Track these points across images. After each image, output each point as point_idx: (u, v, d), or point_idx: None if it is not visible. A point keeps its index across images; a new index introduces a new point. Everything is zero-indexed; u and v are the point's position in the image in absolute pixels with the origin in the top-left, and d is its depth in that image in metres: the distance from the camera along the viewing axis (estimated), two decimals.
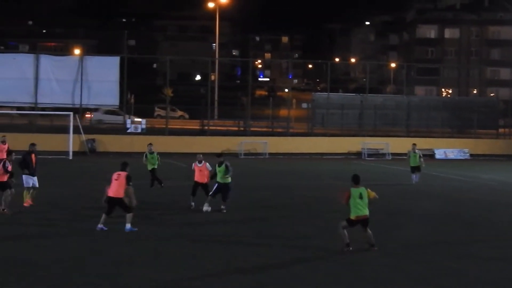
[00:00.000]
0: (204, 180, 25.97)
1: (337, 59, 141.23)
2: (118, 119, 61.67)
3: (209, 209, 24.98)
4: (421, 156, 36.56)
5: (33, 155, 25.68)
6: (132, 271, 16.18)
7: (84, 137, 52.52)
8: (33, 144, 26.39)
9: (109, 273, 16.04)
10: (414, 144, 37.75)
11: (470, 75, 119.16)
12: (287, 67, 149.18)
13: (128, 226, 20.77)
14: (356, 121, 63.31)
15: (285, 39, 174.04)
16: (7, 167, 23.69)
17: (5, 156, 31.96)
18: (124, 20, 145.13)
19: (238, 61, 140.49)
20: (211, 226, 22.49)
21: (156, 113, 79.20)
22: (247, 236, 20.89)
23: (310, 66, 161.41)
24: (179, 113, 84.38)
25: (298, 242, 20.16)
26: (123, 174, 20.93)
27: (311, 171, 43.01)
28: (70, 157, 48.23)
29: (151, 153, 31.61)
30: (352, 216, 18.64)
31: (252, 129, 62.13)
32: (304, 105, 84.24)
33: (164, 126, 58.35)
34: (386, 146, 57.34)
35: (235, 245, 19.42)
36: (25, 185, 25.34)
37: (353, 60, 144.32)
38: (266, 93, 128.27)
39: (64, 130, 50.55)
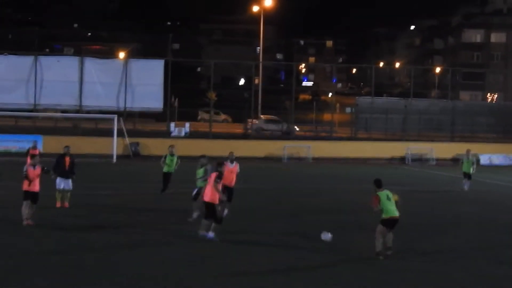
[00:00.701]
0: (232, 183, 24.61)
1: (381, 64, 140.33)
2: (277, 127, 63.31)
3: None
4: (474, 162, 35.43)
5: (67, 158, 25.65)
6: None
7: (128, 140, 52.69)
8: (67, 147, 26.32)
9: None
10: (469, 150, 36.49)
11: None
12: (331, 71, 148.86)
13: (210, 234, 19.95)
14: (400, 125, 62.77)
15: (329, 43, 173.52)
16: (25, 171, 21.87)
17: None
18: (169, 23, 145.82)
19: (282, 65, 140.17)
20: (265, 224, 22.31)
21: (199, 117, 79.30)
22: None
23: (354, 70, 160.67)
24: (223, 116, 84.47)
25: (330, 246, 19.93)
26: (213, 174, 20.29)
27: (354, 175, 42.73)
28: (114, 160, 48.40)
29: (172, 155, 30.09)
30: (386, 216, 18.70)
31: (296, 133, 61.95)
32: (348, 110, 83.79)
33: (207, 129, 58.34)
34: (430, 151, 56.72)
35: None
36: (57, 187, 25.49)
37: (397, 64, 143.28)
38: (310, 97, 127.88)
39: (108, 133, 50.77)
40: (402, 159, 56.62)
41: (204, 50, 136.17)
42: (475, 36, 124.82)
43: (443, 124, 64.48)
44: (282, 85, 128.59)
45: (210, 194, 19.92)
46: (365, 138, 61.78)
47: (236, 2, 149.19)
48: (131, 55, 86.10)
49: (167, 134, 57.07)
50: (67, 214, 24.21)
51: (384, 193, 18.92)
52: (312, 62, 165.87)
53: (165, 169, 30.08)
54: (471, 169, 34.52)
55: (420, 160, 56.24)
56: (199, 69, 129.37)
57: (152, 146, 53.55)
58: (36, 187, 21.99)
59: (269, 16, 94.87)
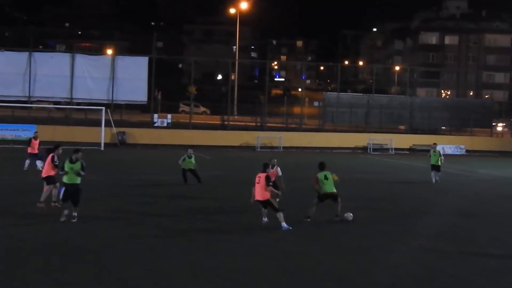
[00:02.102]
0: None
1: (346, 62, 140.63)
2: None
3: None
4: (441, 154, 34.71)
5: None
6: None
7: (115, 130, 52.41)
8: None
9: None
10: (435, 144, 35.17)
11: (467, 78, 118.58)
12: (301, 69, 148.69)
13: (283, 224, 19.10)
14: (363, 119, 62.94)
15: (300, 43, 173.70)
16: (56, 161, 21.79)
17: (36, 152, 31.86)
18: (153, 24, 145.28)
19: (257, 62, 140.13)
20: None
21: (180, 109, 78.99)
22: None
23: (322, 68, 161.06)
24: (202, 109, 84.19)
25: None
26: (263, 175, 19.44)
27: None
28: (102, 148, 48.13)
29: (190, 157, 28.91)
30: (321, 192, 20.70)
31: (268, 124, 61.94)
32: (316, 104, 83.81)
33: (188, 121, 58.18)
34: (390, 142, 56.96)
35: None
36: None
37: (361, 63, 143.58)
38: (282, 92, 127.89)
39: (97, 123, 50.54)
40: (365, 149, 56.80)
41: (186, 48, 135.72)
42: (431, 38, 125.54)
43: (402, 117, 64.77)
44: (256, 81, 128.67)
45: (260, 193, 19.34)
46: (331, 129, 61.89)
47: (215, 5, 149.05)
48: (118, 52, 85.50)
49: (151, 125, 56.94)
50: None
51: (322, 174, 20.90)
52: (284, 60, 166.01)
53: (188, 166, 28.91)
54: (439, 161, 33.79)
55: (380, 149, 56.46)
56: (180, 65, 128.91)
57: (138, 135, 53.44)
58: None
59: (246, 18, 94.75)
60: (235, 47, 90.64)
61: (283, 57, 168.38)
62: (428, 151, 35.67)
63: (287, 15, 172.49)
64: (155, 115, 58.17)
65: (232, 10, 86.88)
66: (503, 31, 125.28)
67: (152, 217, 20.92)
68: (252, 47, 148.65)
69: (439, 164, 33.23)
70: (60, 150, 22.36)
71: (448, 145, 58.60)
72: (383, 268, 15.36)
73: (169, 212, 22.02)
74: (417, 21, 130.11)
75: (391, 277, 14.58)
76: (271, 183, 19.55)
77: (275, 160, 23.75)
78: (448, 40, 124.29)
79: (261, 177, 19.42)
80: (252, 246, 17.21)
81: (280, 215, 19.26)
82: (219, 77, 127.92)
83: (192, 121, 57.80)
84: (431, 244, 18.08)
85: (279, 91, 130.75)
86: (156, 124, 57.19)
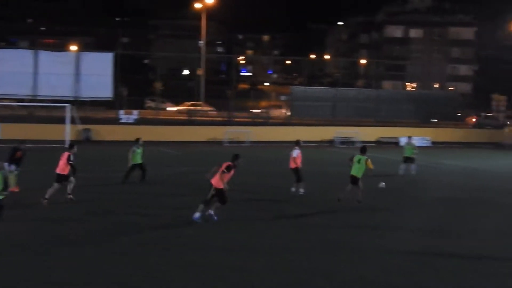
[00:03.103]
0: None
1: (313, 56, 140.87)
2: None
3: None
4: (415, 147, 34.82)
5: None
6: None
7: (80, 127, 51.86)
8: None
9: None
10: (409, 137, 35.76)
11: (432, 71, 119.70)
12: (267, 63, 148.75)
13: (196, 215, 19.18)
14: (330, 112, 63.09)
15: (266, 38, 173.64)
16: (71, 160, 22.16)
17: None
18: (118, 19, 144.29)
19: (223, 57, 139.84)
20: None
21: (147, 105, 78.62)
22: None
23: (288, 62, 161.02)
24: (169, 105, 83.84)
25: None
26: (225, 164, 19.23)
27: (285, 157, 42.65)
28: (67, 146, 47.42)
29: (138, 148, 27.73)
30: (351, 173, 22.94)
31: (235, 119, 61.82)
32: (283, 98, 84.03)
33: (154, 116, 57.81)
34: (356, 135, 57.09)
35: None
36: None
37: (327, 57, 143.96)
38: (248, 86, 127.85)
39: (62, 120, 49.90)
40: (331, 142, 56.85)
41: (152, 43, 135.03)
42: (396, 32, 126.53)
43: (368, 110, 65.01)
44: (223, 76, 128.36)
45: (217, 180, 19.07)
46: (298, 123, 61.95)
47: (181, 0, 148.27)
48: (83, 48, 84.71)
49: (116, 121, 56.46)
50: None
51: (358, 157, 22.97)
52: (250, 54, 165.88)
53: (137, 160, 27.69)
54: (413, 153, 33.88)
55: (347, 142, 56.55)
56: (146, 61, 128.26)
57: (103, 132, 52.91)
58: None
59: (212, 13, 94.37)
60: (201, 42, 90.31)
61: (250, 52, 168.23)
62: (395, 143, 35.94)
63: (253, 10, 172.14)
64: (121, 111, 57.72)
65: (198, 5, 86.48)
66: (466, 23, 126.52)
67: (122, 215, 20.69)
68: (219, 42, 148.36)
69: (413, 156, 33.48)
70: (75, 149, 22.86)
71: (414, 137, 58.73)
72: (364, 262, 15.29)
73: (141, 209, 21.78)
74: (382, 14, 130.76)
75: (374, 271, 14.52)
76: (225, 171, 19.01)
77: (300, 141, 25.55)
78: (413, 33, 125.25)
79: (223, 165, 19.17)
80: (232, 240, 17.12)
81: (220, 206, 19.21)
82: (186, 72, 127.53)
83: (159, 117, 57.46)
84: (415, 238, 18.12)
85: (246, 86, 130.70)
86: (122, 121, 56.72)
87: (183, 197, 24.52)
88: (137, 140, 28.17)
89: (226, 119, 63.90)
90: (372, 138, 57.97)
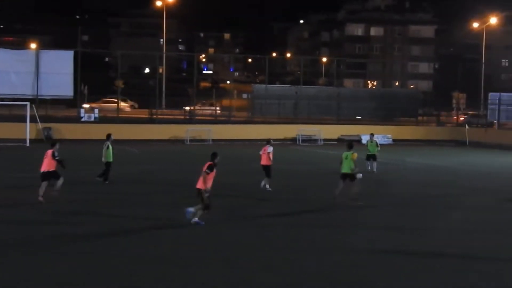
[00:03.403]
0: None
1: (274, 54, 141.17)
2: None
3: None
4: (378, 145, 35.09)
5: None
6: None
7: (40, 125, 51.33)
8: None
9: None
10: (372, 134, 36.12)
11: (393, 69, 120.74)
12: (229, 61, 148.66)
13: (194, 219, 18.67)
14: (291, 110, 63.23)
15: (227, 35, 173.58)
16: (57, 156, 22.24)
17: None
18: (78, 17, 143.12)
19: (184, 55, 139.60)
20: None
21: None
22: None
23: (250, 60, 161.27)
24: (130, 103, 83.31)
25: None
26: (207, 164, 18.71)
27: (248, 156, 42.69)
28: (27, 144, 47.07)
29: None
30: (341, 172, 22.83)
31: (197, 117, 61.66)
32: (245, 96, 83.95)
33: (115, 115, 57.45)
34: (318, 133, 57.33)
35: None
36: None
37: (289, 55, 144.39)
38: (210, 84, 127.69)
39: (22, 119, 49.36)
40: (294, 140, 57.02)
41: (112, 41, 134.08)
42: (357, 30, 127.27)
43: (330, 108, 65.30)
44: (185, 74, 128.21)
45: (200, 181, 18.51)
46: (260, 121, 61.94)
47: None
48: (43, 46, 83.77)
49: (77, 120, 56.01)
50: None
51: (345, 154, 22.87)
52: (212, 53, 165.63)
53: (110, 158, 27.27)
54: (376, 150, 34.13)
55: (309, 140, 56.77)
56: (107, 59, 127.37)
57: (64, 131, 52.39)
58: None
59: (172, 11, 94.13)
60: (162, 40, 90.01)
61: (211, 50, 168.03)
62: (357, 141, 36.13)
63: (214, 8, 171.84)
64: (82, 110, 57.25)
65: (158, 3, 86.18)
66: (426, 22, 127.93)
67: (86, 215, 20.57)
68: (180, 40, 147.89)
69: (375, 153, 33.70)
70: (57, 146, 22.90)
71: (375, 135, 59.14)
72: (314, 258, 15.39)
73: (111, 208, 21.67)
74: (343, 12, 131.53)
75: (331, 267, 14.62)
76: (208, 171, 18.44)
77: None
78: (373, 31, 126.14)
79: (205, 165, 18.70)
80: (188, 237, 17.11)
81: (199, 212, 18.55)
82: (147, 70, 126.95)
83: (120, 115, 57.09)
84: (377, 236, 18.27)
85: (207, 84, 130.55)
86: (83, 119, 56.25)
87: (156, 195, 24.48)
88: (109, 136, 27.67)
89: (187, 117, 63.64)
90: (334, 136, 58.25)
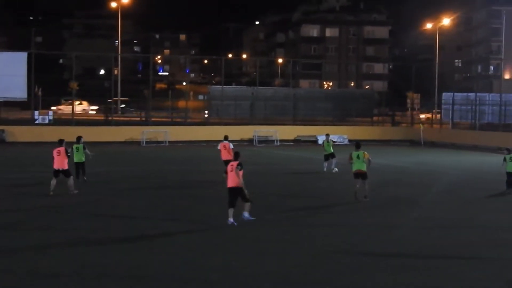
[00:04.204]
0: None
1: (230, 55, 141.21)
2: None
3: None
4: (333, 143, 35.05)
5: None
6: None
7: None
8: None
9: None
10: (328, 134, 36.08)
11: (348, 69, 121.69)
12: (185, 63, 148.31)
13: (246, 214, 19.30)
14: (248, 111, 63.25)
15: (183, 37, 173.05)
16: (69, 153, 24.39)
17: None
18: (31, 18, 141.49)
19: (140, 57, 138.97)
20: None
21: (63, 105, 77.20)
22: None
23: (206, 61, 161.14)
24: (86, 104, 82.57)
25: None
26: (235, 163, 19.29)
27: (207, 157, 42.65)
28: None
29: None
30: (353, 170, 24.05)
31: (153, 119, 61.36)
32: (201, 97, 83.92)
33: (70, 117, 56.90)
34: (275, 134, 57.44)
35: None
36: None
37: (245, 56, 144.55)
38: (166, 86, 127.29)
39: None
40: (250, 141, 57.07)
41: (67, 43, 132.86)
42: (312, 30, 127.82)
43: (286, 109, 65.45)
44: (140, 76, 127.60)
45: (233, 180, 19.10)
46: (217, 122, 61.92)
47: None
48: None
49: (31, 122, 55.34)
50: None
51: (356, 153, 24.01)
52: (168, 54, 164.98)
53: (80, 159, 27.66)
54: (331, 149, 34.25)
55: (266, 141, 56.87)
56: (61, 60, 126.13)
57: (18, 133, 51.79)
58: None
59: (127, 12, 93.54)
60: (117, 41, 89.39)
61: (167, 51, 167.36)
62: (313, 141, 36.25)
63: (169, 9, 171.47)
64: (36, 112, 56.57)
65: (113, 4, 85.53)
66: (380, 23, 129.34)
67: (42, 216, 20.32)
68: (135, 41, 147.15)
69: (332, 151, 33.83)
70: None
71: (331, 135, 59.40)
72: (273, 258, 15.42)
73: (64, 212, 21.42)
74: (299, 13, 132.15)
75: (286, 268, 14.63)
76: (240, 167, 19.08)
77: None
78: (328, 32, 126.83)
79: (233, 165, 19.27)
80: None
81: (248, 207, 19.32)
82: (102, 72, 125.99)
83: (75, 117, 56.55)
84: (340, 240, 18.35)
85: (163, 85, 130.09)
86: (37, 121, 55.59)
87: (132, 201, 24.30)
88: (79, 138, 28.12)
89: (143, 119, 63.24)
90: (291, 136, 58.44)
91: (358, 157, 23.99)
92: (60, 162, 23.72)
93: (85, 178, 27.49)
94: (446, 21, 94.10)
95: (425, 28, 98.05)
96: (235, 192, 19.07)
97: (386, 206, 23.68)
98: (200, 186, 28.05)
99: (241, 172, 19.03)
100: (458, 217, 21.68)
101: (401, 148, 55.31)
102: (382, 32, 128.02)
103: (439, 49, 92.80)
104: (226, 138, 29.81)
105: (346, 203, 23.78)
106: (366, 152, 24.19)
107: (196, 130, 58.27)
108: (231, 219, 18.99)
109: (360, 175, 23.95)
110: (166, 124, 61.25)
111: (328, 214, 21.99)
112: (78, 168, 27.46)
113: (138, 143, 52.77)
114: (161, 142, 53.69)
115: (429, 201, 24.95)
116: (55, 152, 23.91)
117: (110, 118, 60.12)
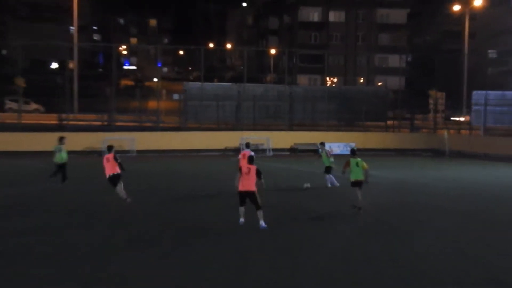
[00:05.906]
0: None
1: (211, 45, 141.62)
2: None
3: None
4: (331, 156, 35.04)
5: None
6: None
7: None
8: None
9: None
10: (322, 143, 36.14)
11: (356, 62, 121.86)
12: (155, 54, 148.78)
13: (262, 223, 22.53)
14: (233, 113, 63.57)
15: (153, 22, 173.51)
16: (118, 158, 28.11)
17: None
18: None
19: (100, 46, 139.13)
20: None
21: (7, 106, 77.44)
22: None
23: (181, 52, 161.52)
24: (34, 106, 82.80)
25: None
26: (253, 168, 22.78)
27: (182, 171, 42.89)
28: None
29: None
30: (352, 179, 26.47)
31: (117, 123, 61.61)
32: (176, 97, 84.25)
33: (16, 121, 57.17)
34: (266, 141, 57.78)
35: None
36: None
37: (229, 45, 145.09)
38: (133, 83, 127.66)
39: None
40: (237, 150, 57.37)
41: (9, 29, 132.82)
42: (313, 14, 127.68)
43: (280, 111, 65.72)
44: (101, 70, 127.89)
45: (246, 183, 22.73)
46: (195, 128, 62.19)
47: None
48: None
49: None
50: None
51: (354, 161, 26.36)
52: (134, 43, 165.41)
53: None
54: (330, 162, 34.32)
55: (256, 150, 57.12)
56: (4, 51, 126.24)
57: None
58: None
59: None
60: (72, 27, 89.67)
61: (133, 40, 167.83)
62: (313, 151, 36.57)
63: None
64: None
65: None
66: (397, 4, 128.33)
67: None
68: (94, 28, 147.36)
69: (331, 165, 34.14)
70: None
71: (336, 143, 59.90)
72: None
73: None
74: None
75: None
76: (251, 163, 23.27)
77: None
78: (332, 16, 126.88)
79: (251, 168, 22.76)
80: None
81: (261, 214, 22.73)
82: (54, 65, 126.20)
83: (22, 121, 56.86)
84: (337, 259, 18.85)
85: (129, 82, 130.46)
86: None
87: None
88: (61, 139, 34.51)
89: (105, 123, 63.54)
90: (286, 145, 58.80)
91: (357, 164, 26.40)
92: (111, 168, 27.80)
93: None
94: (478, 1, 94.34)
95: (452, 10, 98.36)
96: (247, 196, 22.63)
97: (387, 234, 23.95)
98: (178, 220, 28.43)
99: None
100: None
101: (422, 159, 55.38)
102: (399, 15, 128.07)
103: (469, 37, 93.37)
104: (247, 145, 33.10)
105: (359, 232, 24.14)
106: (364, 162, 26.54)
107: (169, 137, 58.58)
108: (242, 219, 22.77)
109: (358, 184, 26.52)
110: (133, 129, 61.35)
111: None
112: (60, 169, 32.95)
113: (99, 153, 52.85)
114: (127, 152, 53.96)
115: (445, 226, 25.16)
116: (104, 159, 28.12)
117: (64, 122, 60.40)
